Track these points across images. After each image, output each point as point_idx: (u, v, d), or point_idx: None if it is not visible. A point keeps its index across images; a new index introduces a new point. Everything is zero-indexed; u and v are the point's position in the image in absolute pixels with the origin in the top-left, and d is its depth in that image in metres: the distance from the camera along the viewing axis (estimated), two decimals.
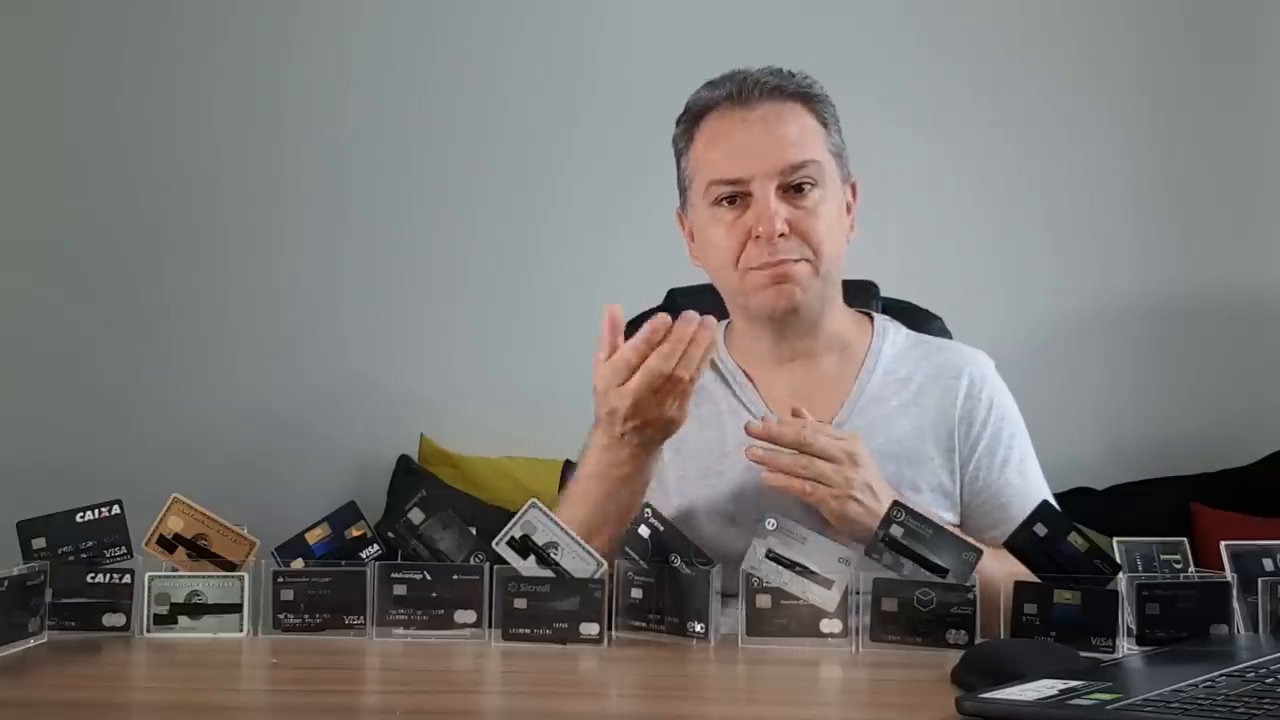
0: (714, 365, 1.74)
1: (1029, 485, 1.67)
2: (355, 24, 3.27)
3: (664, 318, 1.44)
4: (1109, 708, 0.99)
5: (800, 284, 1.63)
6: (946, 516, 1.61)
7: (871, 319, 1.78)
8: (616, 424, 1.48)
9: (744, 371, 1.73)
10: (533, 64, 3.26)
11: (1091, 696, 1.02)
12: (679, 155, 1.72)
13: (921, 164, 3.14)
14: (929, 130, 3.19)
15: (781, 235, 1.61)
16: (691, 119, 1.69)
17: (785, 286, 1.63)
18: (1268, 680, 1.08)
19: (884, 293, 1.96)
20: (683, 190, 1.73)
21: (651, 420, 1.47)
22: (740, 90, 1.64)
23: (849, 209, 1.71)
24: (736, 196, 1.63)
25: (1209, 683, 1.07)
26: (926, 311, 1.95)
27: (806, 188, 1.63)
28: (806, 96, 1.66)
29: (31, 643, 1.32)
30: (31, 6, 3.22)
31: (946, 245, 3.20)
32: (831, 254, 1.65)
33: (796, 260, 1.62)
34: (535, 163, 3.25)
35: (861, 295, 1.89)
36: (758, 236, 1.61)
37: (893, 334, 1.75)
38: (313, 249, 3.25)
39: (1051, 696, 1.02)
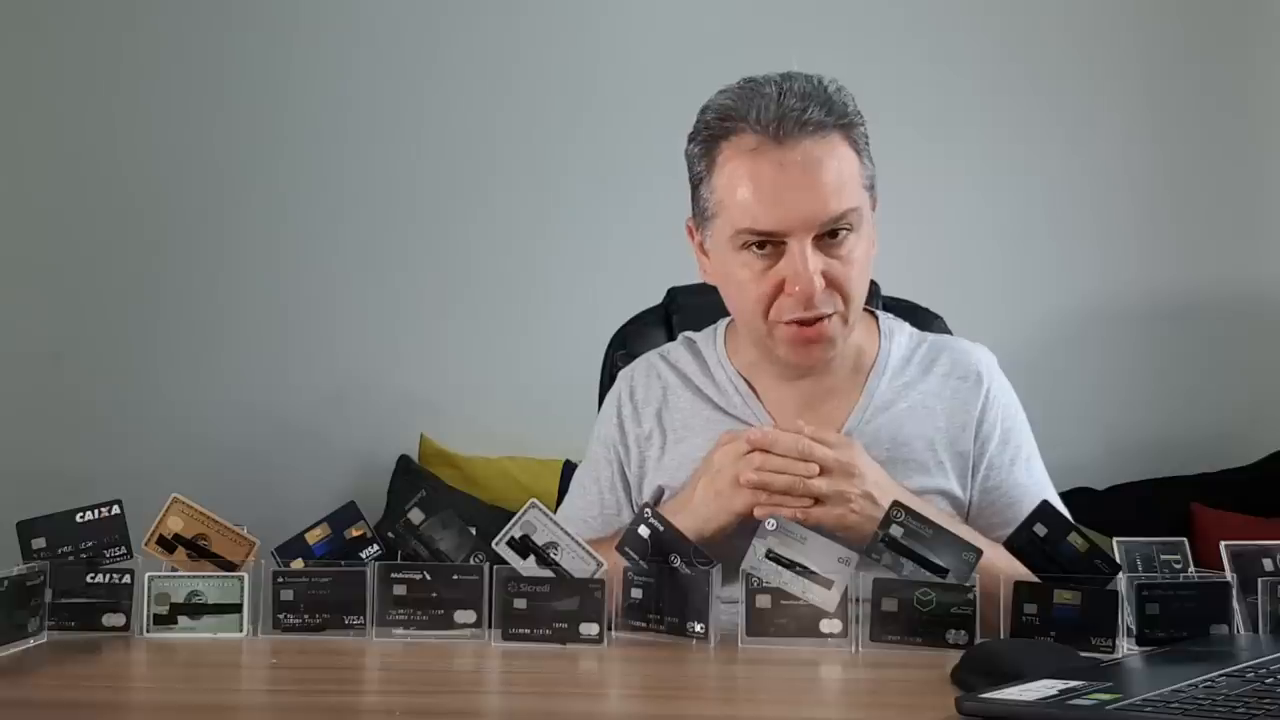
0: (710, 372, 1.69)
1: (1036, 481, 1.66)
2: (354, 28, 3.27)
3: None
4: (1109, 708, 0.99)
5: (832, 342, 1.58)
6: None
7: (876, 318, 1.72)
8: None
9: (746, 381, 1.67)
10: (532, 66, 3.26)
11: (1091, 696, 1.02)
12: (698, 177, 1.59)
13: (923, 164, 3.14)
14: (930, 130, 3.19)
15: None
16: (713, 138, 1.56)
17: (818, 347, 1.57)
18: (1268, 680, 1.08)
19: (885, 292, 1.95)
20: (701, 213, 1.60)
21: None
22: (778, 129, 1.50)
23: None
24: (768, 243, 1.53)
25: (1209, 683, 1.07)
26: (928, 311, 1.95)
27: (842, 234, 1.54)
28: (844, 125, 1.54)
29: (31, 643, 1.32)
30: (28, 7, 3.22)
31: (947, 245, 3.20)
32: (860, 297, 1.58)
33: (829, 315, 1.55)
34: (535, 163, 3.25)
35: None
36: (792, 292, 1.52)
37: (898, 335, 1.70)
38: (313, 249, 3.25)
39: (1051, 696, 1.02)
